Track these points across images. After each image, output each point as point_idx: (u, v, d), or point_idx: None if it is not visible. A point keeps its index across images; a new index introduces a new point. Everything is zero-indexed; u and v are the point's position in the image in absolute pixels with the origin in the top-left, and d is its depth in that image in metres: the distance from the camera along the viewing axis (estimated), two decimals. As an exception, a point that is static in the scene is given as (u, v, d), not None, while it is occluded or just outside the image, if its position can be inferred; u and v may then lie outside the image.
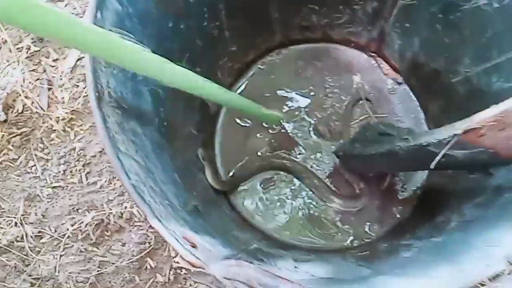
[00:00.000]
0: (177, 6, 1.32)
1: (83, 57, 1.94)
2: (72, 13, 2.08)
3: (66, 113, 1.94)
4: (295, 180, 1.68)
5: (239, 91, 1.81)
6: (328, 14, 1.70)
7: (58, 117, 1.94)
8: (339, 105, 1.76)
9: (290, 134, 1.73)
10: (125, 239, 1.81)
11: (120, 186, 1.87)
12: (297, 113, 1.76)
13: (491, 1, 1.24)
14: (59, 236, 1.84)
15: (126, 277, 1.78)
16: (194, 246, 0.85)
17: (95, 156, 1.91)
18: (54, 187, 1.89)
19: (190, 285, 1.75)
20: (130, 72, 1.09)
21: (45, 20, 0.67)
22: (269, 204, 1.66)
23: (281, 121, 1.73)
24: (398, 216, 1.60)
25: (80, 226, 1.83)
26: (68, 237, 1.83)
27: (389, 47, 1.74)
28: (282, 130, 1.74)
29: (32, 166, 1.93)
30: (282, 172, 1.69)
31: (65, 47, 2.06)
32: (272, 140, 1.73)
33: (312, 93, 1.78)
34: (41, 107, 1.97)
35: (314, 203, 1.64)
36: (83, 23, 0.73)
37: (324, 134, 1.72)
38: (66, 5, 2.11)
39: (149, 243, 1.79)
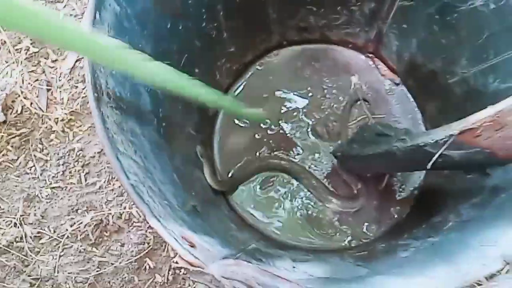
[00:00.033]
0: (175, 7, 1.32)
1: (82, 58, 1.94)
2: (71, 14, 2.09)
3: (65, 114, 1.95)
4: (293, 180, 1.69)
5: (237, 92, 1.81)
6: (325, 15, 1.71)
7: (57, 118, 1.95)
8: (337, 105, 1.76)
9: (288, 134, 1.74)
10: (124, 240, 1.82)
11: (119, 186, 1.87)
12: (295, 113, 1.76)
13: (488, 2, 1.25)
14: (58, 237, 1.84)
15: (125, 277, 1.78)
16: (192, 246, 0.86)
17: (94, 156, 1.92)
18: (53, 187, 1.90)
19: (189, 285, 1.75)
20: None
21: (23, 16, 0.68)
22: (267, 204, 1.66)
23: (267, 120, 1.74)
24: (395, 216, 1.61)
25: (79, 227, 1.83)
26: (67, 237, 1.83)
27: (386, 48, 1.74)
28: (281, 131, 1.74)
29: (31, 167, 1.93)
30: (280, 173, 1.69)
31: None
32: (271, 141, 1.73)
33: (310, 94, 1.79)
34: (40, 108, 1.97)
35: (312, 203, 1.65)
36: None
37: (322, 134, 1.72)
38: (65, 6, 2.11)
39: (148, 243, 1.80)
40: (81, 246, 1.82)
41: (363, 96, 1.76)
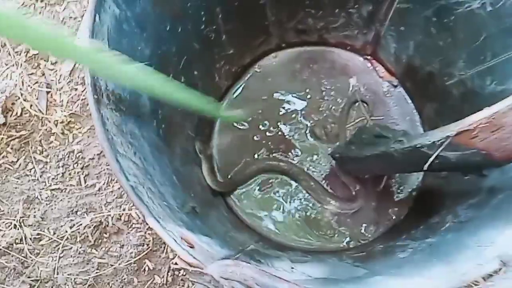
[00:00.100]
0: (175, 10, 1.33)
1: (82, 61, 1.95)
2: (70, 17, 2.09)
3: (65, 116, 1.95)
4: (292, 182, 1.69)
5: (236, 94, 1.82)
6: (324, 17, 1.71)
7: (57, 120, 1.95)
8: (335, 107, 1.77)
9: (287, 136, 1.74)
10: (124, 241, 1.82)
11: (119, 188, 1.88)
12: (293, 115, 1.77)
13: (485, 4, 1.25)
14: (58, 238, 1.85)
15: (124, 279, 1.79)
16: (191, 247, 0.86)
17: (93, 158, 1.92)
18: (53, 189, 1.90)
19: (188, 286, 1.76)
20: (128, 75, 1.10)
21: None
22: (266, 205, 1.67)
23: (243, 121, 1.74)
24: (394, 217, 1.62)
25: (79, 228, 1.84)
26: (67, 239, 1.84)
27: (384, 50, 1.75)
28: (279, 133, 1.75)
29: (31, 169, 1.94)
30: (279, 175, 1.70)
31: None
32: (269, 143, 1.74)
33: (308, 96, 1.79)
34: (40, 110, 1.98)
35: (310, 205, 1.65)
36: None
37: (321, 136, 1.73)
38: (64, 8, 2.11)
39: (147, 245, 1.80)
40: (80, 247, 1.83)
41: (362, 98, 1.77)
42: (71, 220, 1.86)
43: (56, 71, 2.02)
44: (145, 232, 1.82)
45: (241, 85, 1.84)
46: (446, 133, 1.00)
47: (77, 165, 1.92)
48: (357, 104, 1.76)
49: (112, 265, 1.80)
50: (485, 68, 1.33)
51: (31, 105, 1.98)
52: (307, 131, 1.74)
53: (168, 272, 1.78)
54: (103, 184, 1.89)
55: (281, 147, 1.73)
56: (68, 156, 1.93)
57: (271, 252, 1.36)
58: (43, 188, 1.91)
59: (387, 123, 1.72)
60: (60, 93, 2.00)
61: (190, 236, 0.90)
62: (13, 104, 1.99)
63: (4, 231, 1.86)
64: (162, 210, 0.94)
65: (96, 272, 1.80)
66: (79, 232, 1.84)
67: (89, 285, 1.80)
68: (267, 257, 1.23)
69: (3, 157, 1.95)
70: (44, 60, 2.03)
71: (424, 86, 1.65)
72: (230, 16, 1.56)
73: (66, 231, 1.84)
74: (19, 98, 1.98)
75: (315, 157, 1.71)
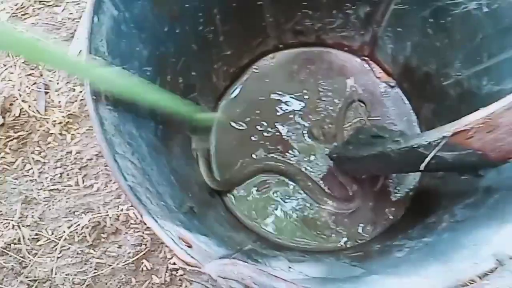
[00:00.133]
0: (173, 11, 1.33)
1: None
2: (69, 18, 2.10)
3: (63, 116, 1.96)
4: (289, 182, 1.70)
5: (234, 94, 1.83)
6: (321, 18, 1.72)
7: (55, 121, 1.96)
8: (332, 108, 1.77)
9: (284, 137, 1.75)
10: (122, 241, 1.82)
11: (116, 188, 1.88)
12: (291, 116, 1.77)
13: (481, 5, 1.26)
14: (56, 239, 1.85)
15: (122, 279, 1.79)
16: (189, 246, 0.87)
17: (91, 159, 1.92)
18: (51, 190, 1.90)
19: (186, 286, 1.76)
20: (126, 76, 1.11)
21: None
22: (263, 205, 1.67)
23: (214, 122, 1.75)
24: (391, 217, 1.62)
25: (77, 229, 1.84)
26: (65, 239, 1.84)
27: (381, 51, 1.76)
28: (277, 133, 1.75)
29: (29, 169, 1.94)
30: (276, 175, 1.70)
31: (61, 51, 2.08)
32: (267, 143, 1.74)
33: (306, 97, 1.80)
34: (38, 111, 1.98)
35: (308, 205, 1.66)
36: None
37: (318, 136, 1.73)
38: (63, 10, 2.12)
39: (145, 245, 1.80)
40: (78, 247, 1.83)
41: (359, 97, 1.77)
42: (69, 220, 1.86)
43: (54, 72, 2.03)
44: (143, 232, 1.82)
45: (238, 86, 1.84)
46: (442, 133, 1.01)
47: (75, 166, 1.92)
48: (354, 104, 1.77)
49: (110, 265, 1.80)
50: (481, 69, 1.34)
51: (29, 106, 1.98)
52: (305, 132, 1.75)
53: (166, 272, 1.78)
54: (101, 184, 1.89)
55: (278, 147, 1.74)
56: (66, 157, 1.93)
57: (268, 251, 1.37)
58: (41, 189, 1.91)
59: (384, 123, 1.73)
60: (58, 94, 2.00)
61: (188, 236, 0.90)
62: (11, 104, 1.99)
63: (2, 231, 1.86)
64: (160, 210, 0.95)
65: (94, 272, 1.80)
66: (77, 232, 1.84)
67: (87, 285, 1.80)
68: (265, 257, 1.23)
69: (1, 157, 1.95)
70: (42, 61, 2.03)
71: (421, 86, 1.66)
72: (228, 17, 1.56)
73: (64, 231, 1.85)
74: (17, 99, 1.98)
75: (312, 157, 1.71)
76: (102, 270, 1.80)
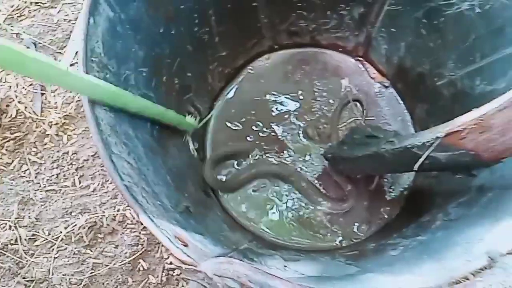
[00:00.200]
0: (168, 12, 1.34)
1: (76, 63, 1.96)
2: (65, 20, 2.10)
3: (59, 117, 1.96)
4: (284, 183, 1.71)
5: (229, 95, 1.83)
6: (316, 19, 1.73)
7: (51, 122, 1.96)
8: (327, 108, 1.78)
9: (280, 137, 1.75)
10: (118, 241, 1.83)
11: (113, 189, 1.88)
12: (286, 116, 1.78)
13: (473, 6, 1.27)
14: (53, 239, 1.85)
15: (119, 279, 1.79)
16: (185, 245, 0.87)
17: (87, 160, 1.93)
18: (48, 190, 1.91)
19: (183, 286, 1.76)
20: (122, 76, 1.11)
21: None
22: (259, 205, 1.68)
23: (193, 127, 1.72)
24: (385, 216, 1.63)
25: (73, 229, 1.85)
26: (62, 239, 1.84)
27: (376, 52, 1.77)
28: (272, 134, 1.76)
29: (26, 170, 1.94)
30: (271, 178, 1.71)
31: (57, 52, 2.09)
32: (262, 143, 1.75)
33: (301, 97, 1.81)
34: (34, 112, 1.99)
35: (303, 204, 1.66)
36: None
37: (313, 137, 1.74)
38: (59, 11, 2.13)
39: (142, 245, 1.81)
40: (75, 248, 1.83)
41: (357, 97, 1.78)
42: (66, 220, 1.87)
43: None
44: (140, 232, 1.83)
45: (234, 87, 1.85)
46: (435, 134, 1.02)
47: (72, 167, 1.93)
48: (349, 104, 1.77)
49: (106, 265, 1.81)
50: (474, 69, 1.35)
51: (25, 107, 1.99)
52: (300, 132, 1.76)
53: (163, 271, 1.79)
54: (98, 185, 1.90)
55: (274, 147, 1.74)
56: (63, 158, 1.94)
57: (264, 251, 1.37)
58: (37, 189, 1.91)
59: (379, 123, 1.74)
60: (55, 95, 2.01)
61: (184, 235, 0.91)
62: (7, 106, 1.99)
63: (-1, 232, 1.87)
64: (156, 209, 0.95)
65: (91, 272, 1.81)
66: (73, 233, 1.84)
67: (84, 285, 1.80)
68: (260, 256, 1.24)
69: (-2, 158, 1.96)
70: (39, 62, 2.03)
71: (415, 87, 1.66)
72: (223, 18, 1.57)
73: (61, 232, 1.85)
74: (13, 100, 1.99)
75: (307, 157, 1.72)
76: (99, 270, 1.81)
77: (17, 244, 1.85)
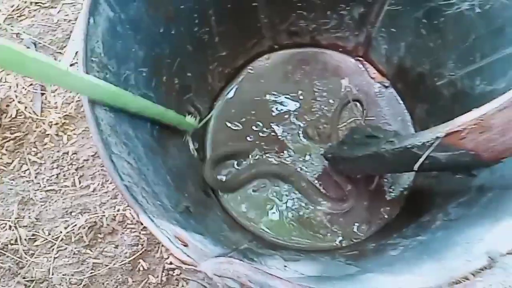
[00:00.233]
0: (168, 12, 1.34)
1: (76, 63, 1.96)
2: (65, 20, 2.10)
3: (59, 117, 1.96)
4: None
5: (229, 95, 1.83)
6: (316, 19, 1.73)
7: (51, 122, 1.96)
8: (327, 108, 1.78)
9: (280, 137, 1.75)
10: (118, 241, 1.83)
11: (113, 189, 1.88)
12: (286, 116, 1.78)
13: (473, 6, 1.27)
14: (53, 239, 1.85)
15: (119, 279, 1.79)
16: (185, 245, 0.87)
17: (87, 160, 1.93)
18: (48, 190, 1.91)
19: (183, 286, 1.76)
20: (122, 76, 1.11)
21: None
22: (259, 205, 1.68)
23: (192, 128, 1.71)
24: (385, 216, 1.63)
25: (73, 229, 1.85)
26: (62, 239, 1.84)
27: (376, 52, 1.77)
28: (272, 134, 1.76)
29: (26, 170, 1.94)
30: (271, 178, 1.71)
31: (57, 52, 2.09)
32: (262, 143, 1.75)
33: (301, 97, 1.81)
34: (34, 112, 1.99)
35: (303, 204, 1.66)
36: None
37: (313, 137, 1.74)
38: (59, 11, 2.13)
39: (142, 245, 1.81)
40: (75, 248, 1.83)
41: (357, 97, 1.78)
42: (66, 220, 1.87)
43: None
44: (140, 232, 1.83)
45: (234, 87, 1.85)
46: (435, 134, 1.02)
47: (72, 167, 1.93)
48: (349, 104, 1.77)
49: (106, 265, 1.81)
50: (474, 69, 1.35)
51: (25, 107, 1.99)
52: (300, 132, 1.76)
53: (163, 271, 1.79)
54: (98, 185, 1.90)
55: (274, 147, 1.74)
56: (63, 158, 1.94)
57: (264, 251, 1.37)
58: (37, 189, 1.91)
59: (379, 123, 1.74)
60: (54, 95, 2.01)
61: (184, 235, 0.91)
62: (7, 106, 2.00)
63: (-1, 232, 1.87)
64: (156, 209, 0.95)
65: (91, 272, 1.81)
66: (73, 233, 1.84)
67: (84, 285, 1.80)
68: (260, 256, 1.24)
69: (-2, 158, 1.96)
70: (39, 62, 2.03)
71: (415, 87, 1.66)
72: (223, 18, 1.57)
73: (61, 232, 1.85)
74: (13, 100, 1.99)
75: (307, 157, 1.72)
76: (99, 270, 1.81)
77: (17, 244, 1.85)
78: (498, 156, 0.97)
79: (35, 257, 1.84)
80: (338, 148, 1.60)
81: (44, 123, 1.97)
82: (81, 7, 2.12)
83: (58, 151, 1.95)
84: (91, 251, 1.83)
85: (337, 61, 1.87)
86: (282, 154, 1.73)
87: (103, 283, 1.80)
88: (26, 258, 1.84)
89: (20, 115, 1.99)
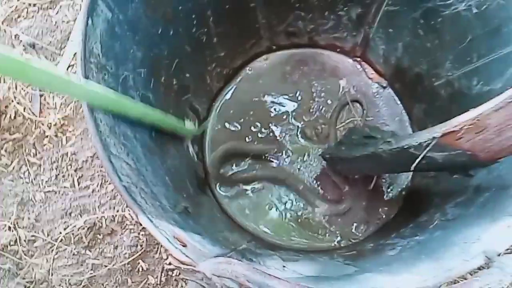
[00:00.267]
0: (166, 13, 1.34)
1: (74, 64, 1.96)
2: (63, 21, 2.10)
3: (58, 118, 1.96)
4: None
5: (228, 96, 1.83)
6: (313, 20, 1.73)
7: (50, 123, 1.96)
8: (325, 108, 1.78)
9: (278, 137, 1.76)
10: (117, 242, 1.83)
11: (112, 190, 1.89)
12: (284, 117, 1.78)
13: (470, 7, 1.27)
14: (52, 240, 1.86)
15: (118, 280, 1.80)
16: (184, 245, 0.88)
17: (86, 161, 1.93)
18: (47, 191, 1.91)
19: (182, 286, 1.77)
20: (121, 77, 1.11)
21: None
22: (258, 206, 1.68)
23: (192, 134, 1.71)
24: (384, 216, 1.63)
25: (73, 230, 1.85)
26: (61, 240, 1.85)
27: (373, 52, 1.77)
28: (271, 134, 1.76)
29: (25, 171, 1.95)
30: (268, 181, 1.72)
31: (56, 53, 2.09)
32: (261, 144, 1.75)
33: (299, 97, 1.81)
34: (33, 113, 1.99)
35: (301, 205, 1.67)
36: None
37: (311, 137, 1.74)
38: (57, 12, 2.13)
39: (141, 245, 1.81)
40: (74, 249, 1.83)
41: (356, 98, 1.78)
42: (65, 221, 1.87)
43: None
44: (139, 233, 1.83)
45: (232, 87, 1.85)
46: (432, 134, 1.02)
47: (71, 167, 1.93)
48: (347, 106, 1.77)
49: (106, 266, 1.81)
50: (471, 69, 1.35)
51: (24, 108, 1.99)
52: (298, 132, 1.76)
53: (162, 272, 1.79)
54: (97, 186, 1.90)
55: (272, 148, 1.74)
56: (62, 159, 1.94)
57: (263, 251, 1.38)
58: (37, 190, 1.91)
59: (377, 124, 1.74)
60: (53, 96, 2.01)
61: (182, 235, 0.91)
62: (6, 107, 2.00)
63: (-1, 233, 1.88)
64: (155, 210, 0.96)
65: (91, 273, 1.81)
66: (73, 234, 1.85)
67: (83, 286, 1.81)
68: (259, 256, 1.24)
69: (-3, 160, 1.96)
70: (37, 63, 2.03)
71: (412, 87, 1.67)
72: (221, 19, 1.57)
73: (60, 233, 1.85)
74: (12, 101, 1.99)
75: (306, 157, 1.72)
76: (98, 271, 1.81)
77: (17, 245, 1.85)
78: (494, 156, 0.98)
79: (35, 258, 1.84)
80: (336, 149, 1.60)
81: (43, 124, 1.97)
82: (80, 8, 2.12)
83: (57, 152, 1.95)
84: (91, 252, 1.83)
85: (335, 62, 1.87)
86: (280, 154, 1.73)
87: (102, 284, 1.81)
88: (25, 259, 1.84)
89: (19, 116, 1.99)
